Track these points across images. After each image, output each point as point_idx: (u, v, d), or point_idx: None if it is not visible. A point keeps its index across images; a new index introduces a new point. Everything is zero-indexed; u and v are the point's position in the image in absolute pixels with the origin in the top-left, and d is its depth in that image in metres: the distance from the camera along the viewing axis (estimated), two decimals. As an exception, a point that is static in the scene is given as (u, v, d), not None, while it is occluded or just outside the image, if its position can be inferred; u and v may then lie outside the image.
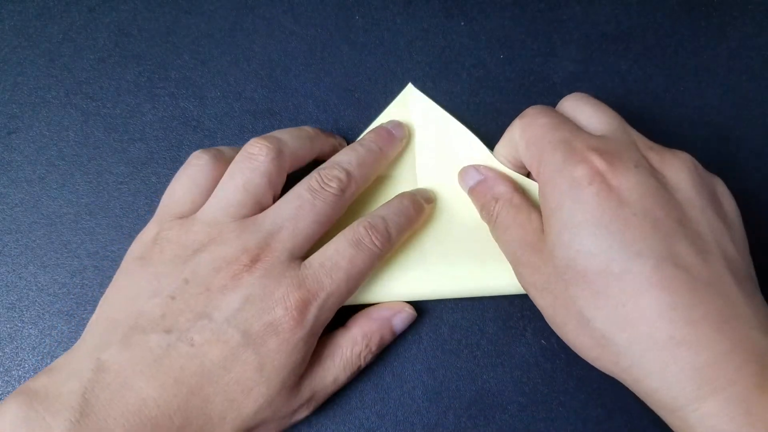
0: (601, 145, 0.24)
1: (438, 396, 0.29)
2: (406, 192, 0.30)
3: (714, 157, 0.32)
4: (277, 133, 0.29)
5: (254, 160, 0.27)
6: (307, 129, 0.30)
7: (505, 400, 0.30)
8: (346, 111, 0.33)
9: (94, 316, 0.26)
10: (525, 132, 0.27)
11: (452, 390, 0.30)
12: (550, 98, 0.33)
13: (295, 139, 0.29)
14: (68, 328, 0.31)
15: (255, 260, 0.25)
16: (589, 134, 0.25)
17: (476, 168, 0.30)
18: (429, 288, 0.29)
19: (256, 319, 0.25)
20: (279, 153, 0.27)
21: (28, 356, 0.30)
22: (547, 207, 0.25)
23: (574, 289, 0.23)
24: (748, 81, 0.33)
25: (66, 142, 0.33)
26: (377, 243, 0.27)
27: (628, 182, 0.23)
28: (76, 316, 0.31)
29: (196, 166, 0.28)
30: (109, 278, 0.27)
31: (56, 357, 0.30)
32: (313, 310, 0.25)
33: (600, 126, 0.26)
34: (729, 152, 0.33)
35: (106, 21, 0.34)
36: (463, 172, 0.30)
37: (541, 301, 0.25)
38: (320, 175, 0.27)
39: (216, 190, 0.27)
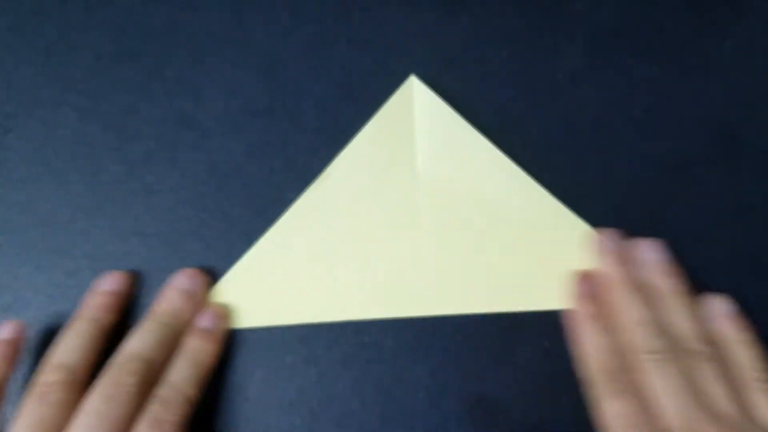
0: None
1: (440, 398, 0.29)
2: (191, 327, 0.29)
3: (719, 156, 0.32)
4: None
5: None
6: None
7: (508, 402, 0.29)
8: (345, 108, 0.33)
9: None
10: None
11: (454, 392, 0.30)
12: (554, 96, 0.33)
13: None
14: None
15: None
16: None
17: None
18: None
19: None
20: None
21: (24, 358, 0.30)
22: None
23: None
24: (753, 78, 0.33)
25: (61, 141, 0.33)
26: (177, 416, 0.26)
27: None
28: (71, 316, 0.30)
29: None
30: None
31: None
32: None
33: (668, 407, 0.25)
34: (734, 150, 0.32)
35: (101, 19, 0.34)
36: None
37: None
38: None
39: None
